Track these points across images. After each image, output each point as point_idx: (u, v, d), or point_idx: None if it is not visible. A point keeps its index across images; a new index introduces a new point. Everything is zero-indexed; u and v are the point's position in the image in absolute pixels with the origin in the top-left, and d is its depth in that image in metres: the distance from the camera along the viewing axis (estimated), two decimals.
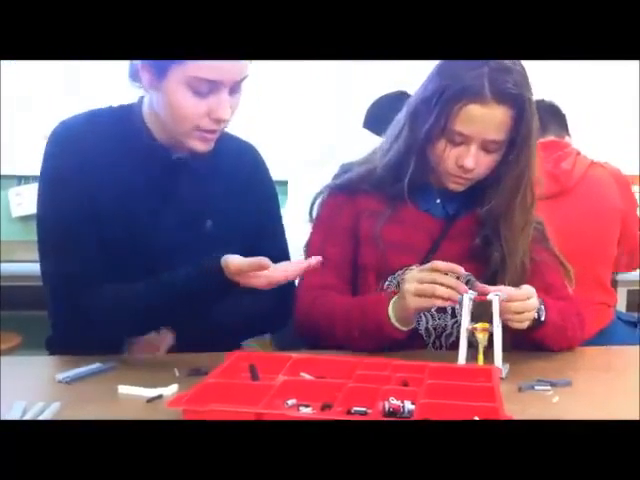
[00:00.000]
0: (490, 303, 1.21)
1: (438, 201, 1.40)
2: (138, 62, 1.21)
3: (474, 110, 1.25)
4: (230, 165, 1.36)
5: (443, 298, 1.21)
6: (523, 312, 1.22)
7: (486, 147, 1.29)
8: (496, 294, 1.21)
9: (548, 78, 2.24)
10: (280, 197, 1.48)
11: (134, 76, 1.26)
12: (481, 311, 1.23)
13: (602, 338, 1.97)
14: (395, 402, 0.96)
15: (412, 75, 1.40)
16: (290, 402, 1.02)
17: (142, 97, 1.31)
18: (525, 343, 1.32)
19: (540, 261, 1.39)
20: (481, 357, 1.21)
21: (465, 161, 1.29)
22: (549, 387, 1.16)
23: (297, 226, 1.61)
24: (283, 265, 1.19)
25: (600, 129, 2.38)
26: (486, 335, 1.21)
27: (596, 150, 2.21)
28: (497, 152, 1.31)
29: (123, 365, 1.21)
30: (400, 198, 1.38)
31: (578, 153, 2.07)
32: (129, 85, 1.28)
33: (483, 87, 1.24)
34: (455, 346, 1.24)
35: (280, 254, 1.40)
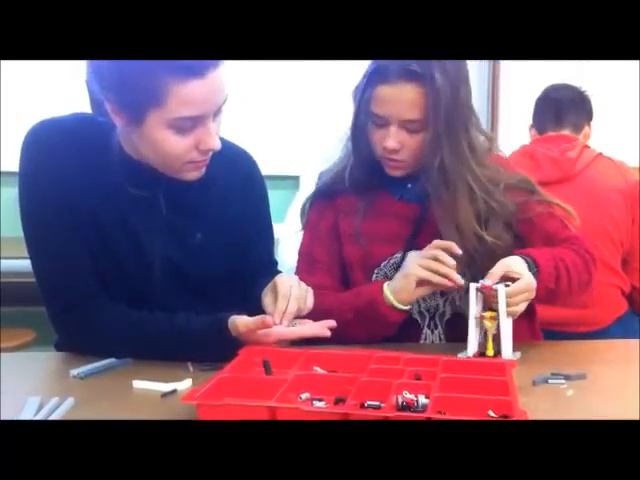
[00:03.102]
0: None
1: (409, 186, 1.41)
2: (107, 106, 1.14)
3: (384, 90, 1.28)
4: (220, 173, 1.30)
5: (442, 274, 1.25)
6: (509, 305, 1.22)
7: (406, 127, 1.30)
8: (501, 284, 1.21)
9: (550, 77, 2.27)
10: (293, 192, 1.50)
11: (98, 112, 1.19)
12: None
13: (618, 328, 1.98)
14: (409, 396, 0.96)
15: None
16: (304, 396, 1.02)
17: None
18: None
19: (534, 215, 1.40)
20: (490, 345, 1.21)
21: (386, 142, 1.31)
22: (563, 380, 1.15)
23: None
24: (293, 325, 1.22)
25: (601, 124, 2.42)
26: (494, 323, 1.21)
27: (598, 143, 2.22)
28: (422, 132, 1.31)
29: (137, 360, 1.22)
30: (372, 190, 1.40)
31: (585, 146, 2.11)
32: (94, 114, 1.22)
33: (389, 66, 1.26)
34: (450, 325, 1.28)
35: (268, 261, 1.43)
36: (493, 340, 1.21)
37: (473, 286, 1.23)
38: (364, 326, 1.32)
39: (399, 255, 1.39)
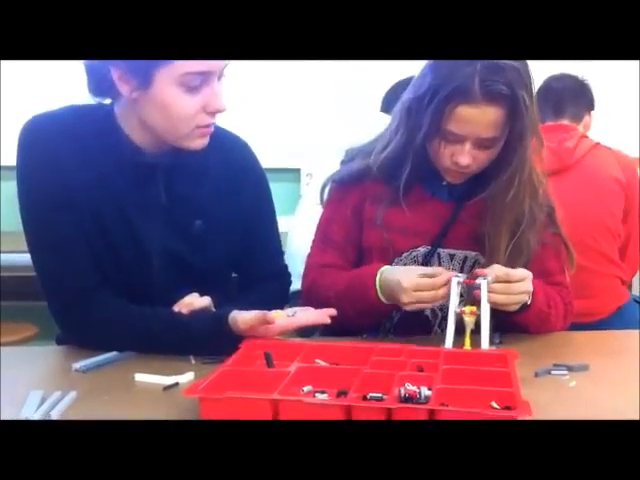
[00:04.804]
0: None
1: (444, 183, 1.41)
2: (114, 73, 1.14)
3: (465, 111, 1.24)
4: (218, 161, 1.31)
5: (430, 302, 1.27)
6: (506, 294, 1.23)
7: (481, 144, 1.29)
8: (484, 278, 1.22)
9: (547, 67, 2.26)
10: (293, 185, 1.48)
11: (97, 91, 1.21)
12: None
13: (619, 318, 1.98)
14: (411, 388, 0.96)
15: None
16: (306, 389, 1.02)
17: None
18: (507, 324, 1.32)
19: (542, 244, 1.39)
20: (468, 340, 1.21)
21: (459, 159, 1.29)
22: (566, 372, 1.15)
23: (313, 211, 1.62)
24: (294, 313, 1.22)
25: (601, 115, 2.43)
26: (473, 318, 1.22)
27: (599, 135, 2.22)
28: (494, 147, 1.30)
29: (139, 353, 1.21)
30: (406, 182, 1.38)
31: (583, 136, 2.11)
32: (90, 99, 1.23)
33: (473, 88, 1.22)
34: (463, 326, 1.24)
35: (272, 254, 1.43)
36: (471, 334, 1.21)
37: (455, 280, 1.23)
38: (353, 306, 1.31)
39: (422, 249, 1.38)
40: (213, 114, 1.19)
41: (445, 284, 1.24)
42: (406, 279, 1.24)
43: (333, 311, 1.23)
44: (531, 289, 1.27)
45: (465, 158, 1.29)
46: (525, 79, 1.25)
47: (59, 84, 2.84)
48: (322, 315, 1.22)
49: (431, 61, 1.29)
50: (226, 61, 1.17)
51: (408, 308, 1.26)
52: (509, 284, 1.23)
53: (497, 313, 1.25)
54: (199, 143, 1.22)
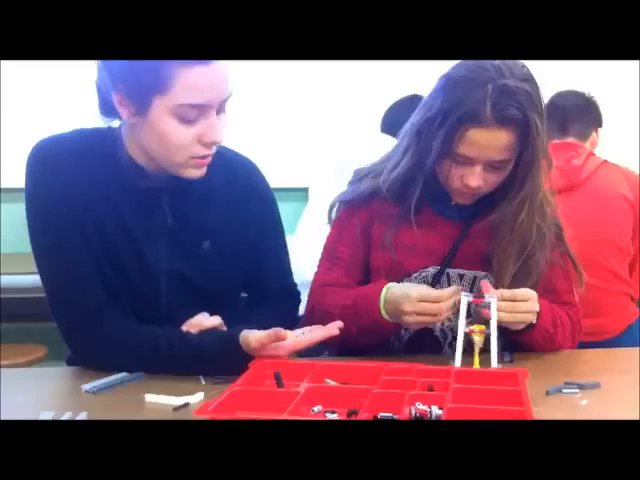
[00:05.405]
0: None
1: (453, 203, 1.40)
2: (114, 98, 1.17)
3: (476, 134, 1.24)
4: (223, 181, 1.32)
5: (432, 321, 1.28)
6: (512, 312, 1.23)
7: (491, 166, 1.29)
8: (493, 296, 1.22)
9: (550, 77, 2.25)
10: (302, 204, 1.48)
11: (106, 111, 1.23)
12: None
13: (630, 336, 1.96)
14: (422, 407, 0.96)
15: (429, 78, 1.38)
16: (316, 409, 1.01)
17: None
18: (513, 342, 1.33)
19: (551, 264, 1.39)
20: (477, 359, 1.21)
21: (470, 181, 1.29)
22: (577, 390, 1.15)
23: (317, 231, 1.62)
24: (302, 334, 1.22)
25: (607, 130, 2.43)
26: (482, 337, 1.22)
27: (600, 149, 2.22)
28: (504, 168, 1.30)
29: (149, 374, 1.22)
30: (414, 202, 1.38)
31: (590, 153, 2.10)
32: (100, 120, 1.25)
33: (485, 112, 1.22)
34: (472, 347, 1.25)
35: (280, 274, 1.43)
36: (480, 353, 1.21)
37: (464, 299, 1.23)
38: (357, 323, 1.31)
39: (431, 269, 1.39)
40: (209, 145, 1.19)
41: (450, 297, 1.24)
42: (414, 288, 1.26)
43: (340, 323, 1.22)
44: (537, 309, 1.27)
45: (475, 180, 1.29)
46: (536, 102, 1.25)
47: (58, 110, 2.90)
48: (330, 328, 1.22)
49: (442, 83, 1.29)
50: (226, 95, 1.17)
51: (409, 320, 1.24)
52: (515, 303, 1.24)
53: (503, 331, 1.25)
54: (195, 173, 1.22)
